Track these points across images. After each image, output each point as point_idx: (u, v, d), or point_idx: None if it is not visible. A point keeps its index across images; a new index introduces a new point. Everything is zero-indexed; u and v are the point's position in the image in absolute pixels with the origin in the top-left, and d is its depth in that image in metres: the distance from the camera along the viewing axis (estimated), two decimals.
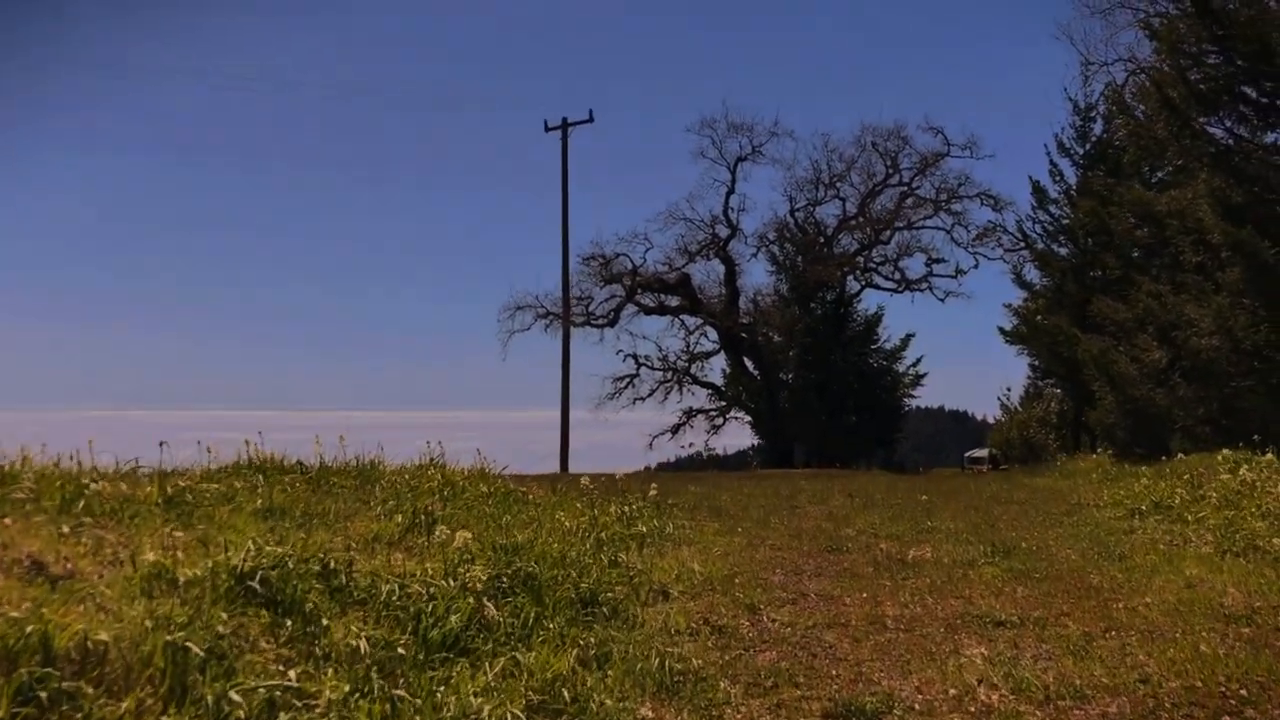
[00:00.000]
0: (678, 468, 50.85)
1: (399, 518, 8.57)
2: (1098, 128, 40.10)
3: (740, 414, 47.67)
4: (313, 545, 7.01)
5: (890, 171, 45.38)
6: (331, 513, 8.47)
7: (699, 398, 47.86)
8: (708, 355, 47.48)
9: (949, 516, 13.36)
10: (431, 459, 11.98)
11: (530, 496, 11.55)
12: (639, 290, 45.48)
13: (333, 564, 6.69)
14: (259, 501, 8.13)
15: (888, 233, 45.58)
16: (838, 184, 46.00)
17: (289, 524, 7.90)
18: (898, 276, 45.97)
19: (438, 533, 7.26)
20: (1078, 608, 7.97)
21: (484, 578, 7.27)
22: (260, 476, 9.49)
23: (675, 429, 47.46)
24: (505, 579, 7.37)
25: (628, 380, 46.96)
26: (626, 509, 11.19)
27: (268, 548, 6.52)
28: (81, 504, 6.68)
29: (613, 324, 46.29)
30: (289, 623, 5.74)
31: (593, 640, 6.65)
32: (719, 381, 47.74)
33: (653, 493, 11.57)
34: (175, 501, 7.44)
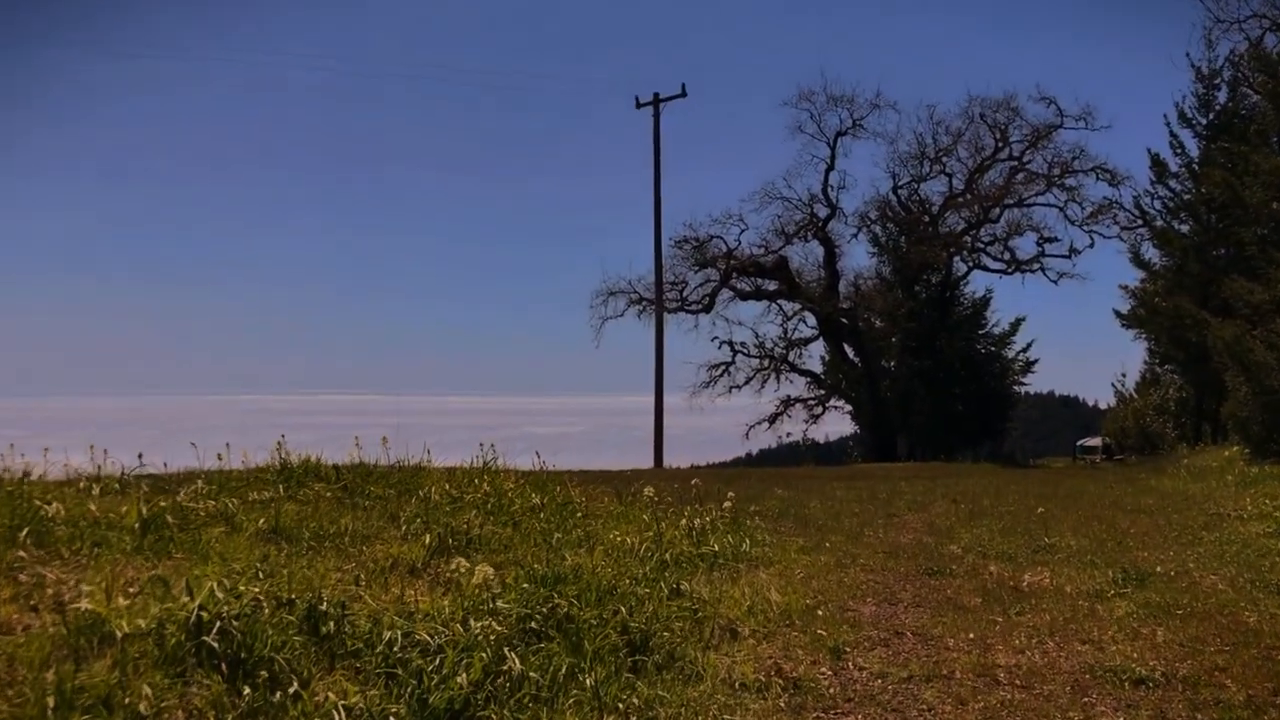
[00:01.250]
0: (775, 458, 49.48)
1: (428, 538, 7.45)
2: (1222, 95, 37.56)
3: (840, 403, 46.03)
4: (304, 580, 5.91)
5: (1000, 145, 43.16)
6: (349, 533, 7.37)
7: (797, 386, 46.32)
8: (806, 342, 45.88)
9: (1069, 529, 11.81)
10: (485, 463, 10.86)
11: (590, 507, 10.33)
12: (734, 274, 44.02)
13: (325, 605, 5.58)
14: (261, 521, 7.06)
15: (997, 210, 43.40)
16: (944, 159, 44.03)
17: (295, 549, 6.83)
18: (1007, 257, 43.84)
19: (455, 565, 6.08)
20: (1235, 660, 6.50)
21: (513, 617, 6.11)
22: (281, 487, 8.45)
23: (772, 418, 45.98)
24: (538, 619, 6.18)
25: (723, 368, 45.61)
26: (698, 522, 9.92)
27: (241, 586, 5.43)
28: (26, 531, 5.65)
29: (708, 309, 44.96)
30: (247, 690, 4.63)
31: (636, 701, 5.44)
32: (818, 369, 46.14)
33: (727, 505, 10.27)
34: (154, 524, 6.39)
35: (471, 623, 5.54)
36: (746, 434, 46.59)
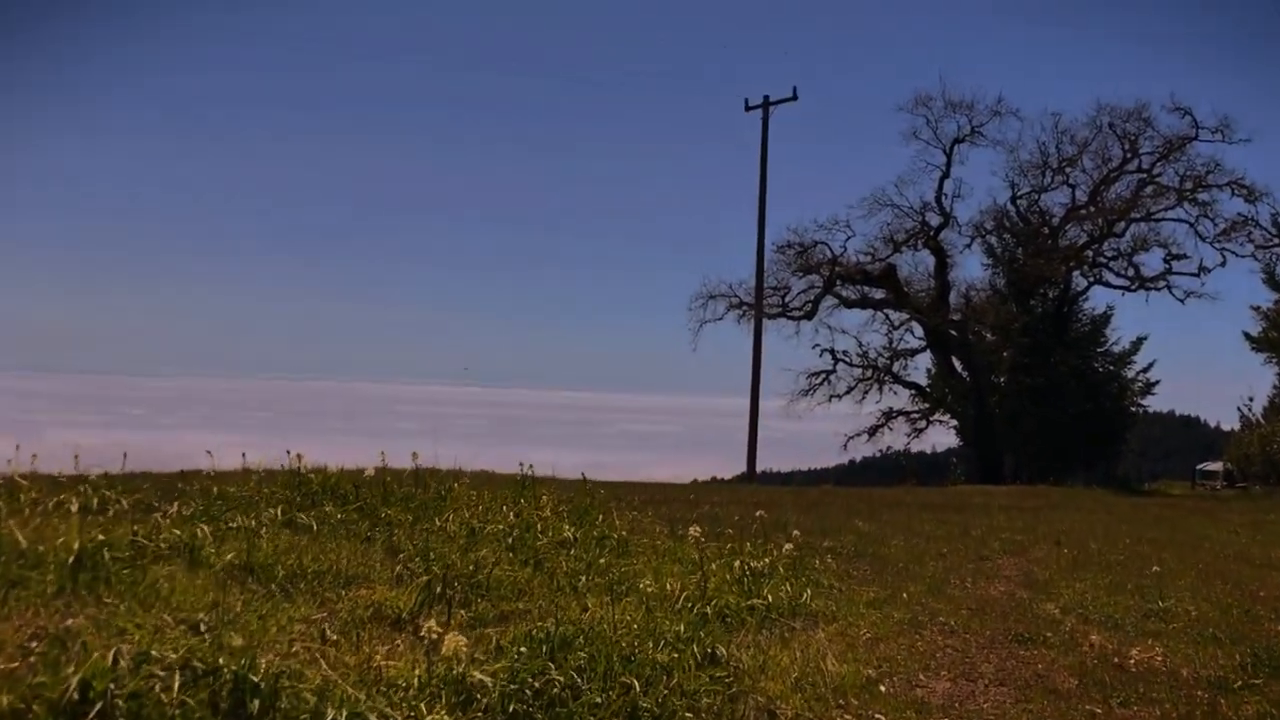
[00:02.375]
0: (874, 470, 47.82)
1: (426, 578, 6.45)
2: None
3: (945, 418, 44.18)
4: (251, 635, 4.94)
5: (1128, 156, 40.82)
6: (332, 571, 6.40)
7: (900, 398, 44.70)
8: (912, 353, 44.28)
9: (1187, 587, 10.31)
10: (523, 480, 9.85)
11: (632, 541, 9.21)
12: (838, 281, 42.58)
13: (258, 675, 4.59)
14: (231, 555, 6.12)
15: (1122, 224, 41.06)
16: (1067, 169, 41.84)
17: (262, 593, 5.88)
18: (1131, 273, 41.46)
19: (426, 628, 5.04)
20: None
21: (495, 694, 5.07)
22: (279, 509, 7.53)
23: (873, 430, 44.44)
24: (525, 697, 5.12)
25: (824, 376, 44.22)
26: (755, 564, 8.73)
27: (155, 648, 4.47)
28: None
29: (810, 316, 43.65)
30: None
31: None
32: (923, 381, 44.39)
33: (789, 548, 9.01)
34: (91, 559, 5.47)
35: (424, 710, 4.49)
36: (845, 445, 45.16)
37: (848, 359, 44.36)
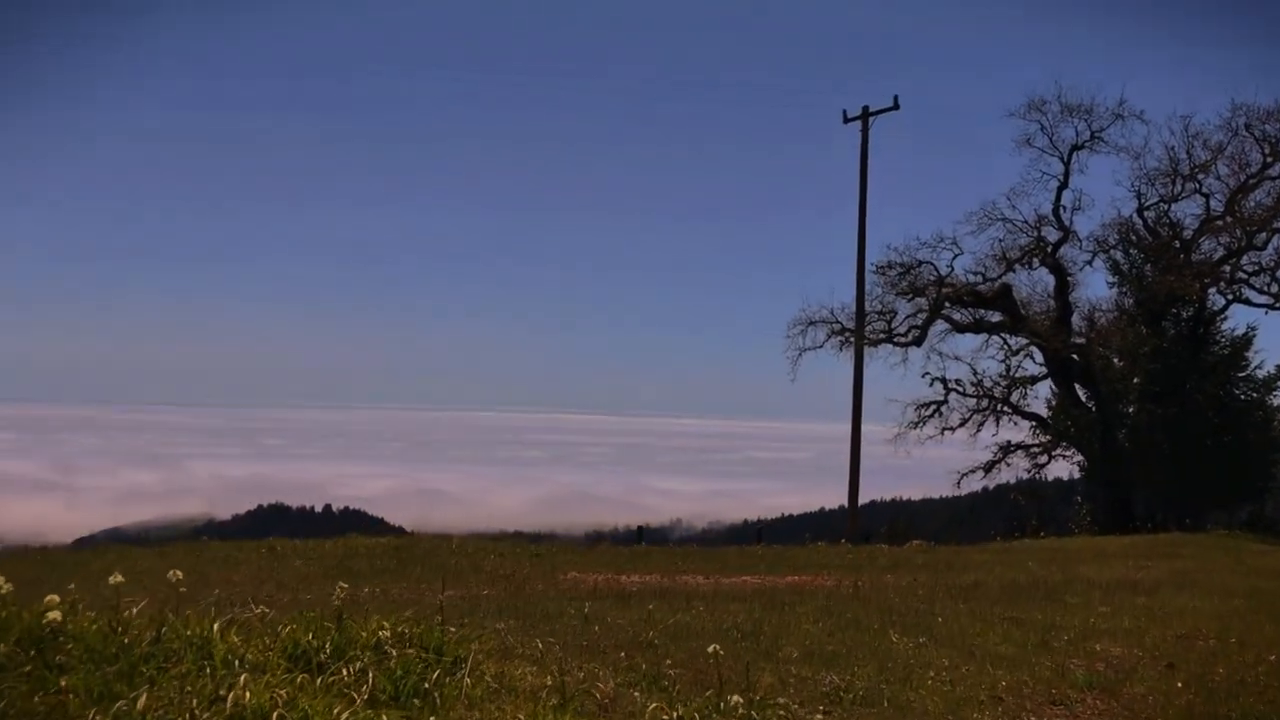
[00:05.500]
0: (987, 503, 44.49)
1: None
2: None
3: (1069, 452, 40.46)
4: None
5: (1269, 160, 36.62)
6: None
7: (1019, 430, 41.09)
8: (1031, 381, 40.59)
9: None
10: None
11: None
12: (946, 304, 39.39)
13: None
14: None
15: (1263, 235, 36.88)
16: (1200, 176, 37.75)
17: None
18: (1275, 289, 37.19)
19: None
20: None
21: None
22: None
23: (989, 466, 40.90)
24: None
25: (934, 407, 40.92)
26: None
27: None
28: None
29: (918, 342, 40.50)
30: None
31: None
32: (1044, 412, 40.70)
33: (737, 701, 6.31)
34: None
35: None
36: (958, 482, 41.82)
37: (960, 388, 41.04)
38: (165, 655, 6.47)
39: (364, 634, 7.52)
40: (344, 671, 6.63)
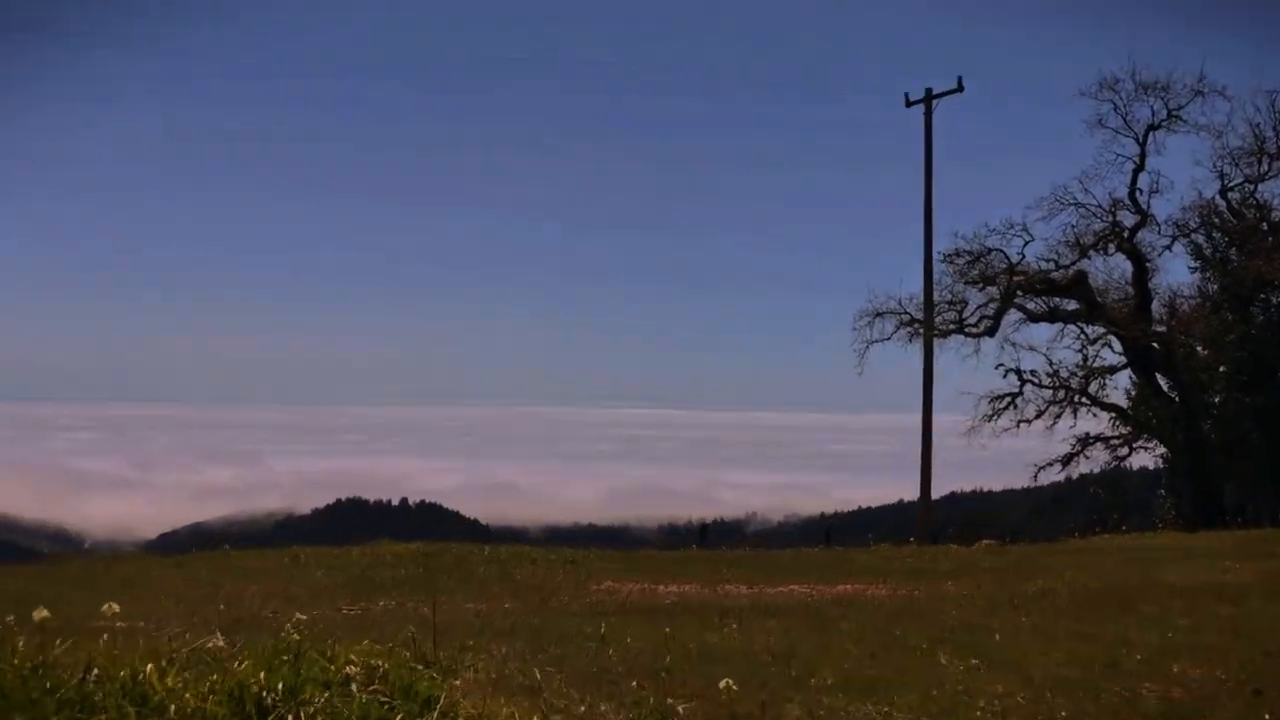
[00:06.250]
0: (1070, 493, 42.96)
1: None
2: None
3: (1150, 444, 38.81)
4: None
5: None
6: None
7: (1098, 421, 39.54)
8: (1110, 371, 38.99)
9: None
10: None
11: None
12: (1018, 292, 37.98)
13: None
14: None
15: None
16: None
17: None
18: None
19: None
20: None
21: None
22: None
23: (1066, 459, 39.40)
24: None
25: (1009, 399, 39.46)
26: None
27: None
28: None
29: (991, 333, 39.12)
30: None
31: None
32: (1123, 403, 39.09)
33: None
34: None
35: None
36: (1035, 476, 40.35)
37: (1036, 379, 39.58)
38: (90, 702, 5.80)
39: (331, 669, 6.80)
40: (291, 718, 5.92)
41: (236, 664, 6.57)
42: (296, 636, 6.48)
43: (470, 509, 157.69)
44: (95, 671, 6.06)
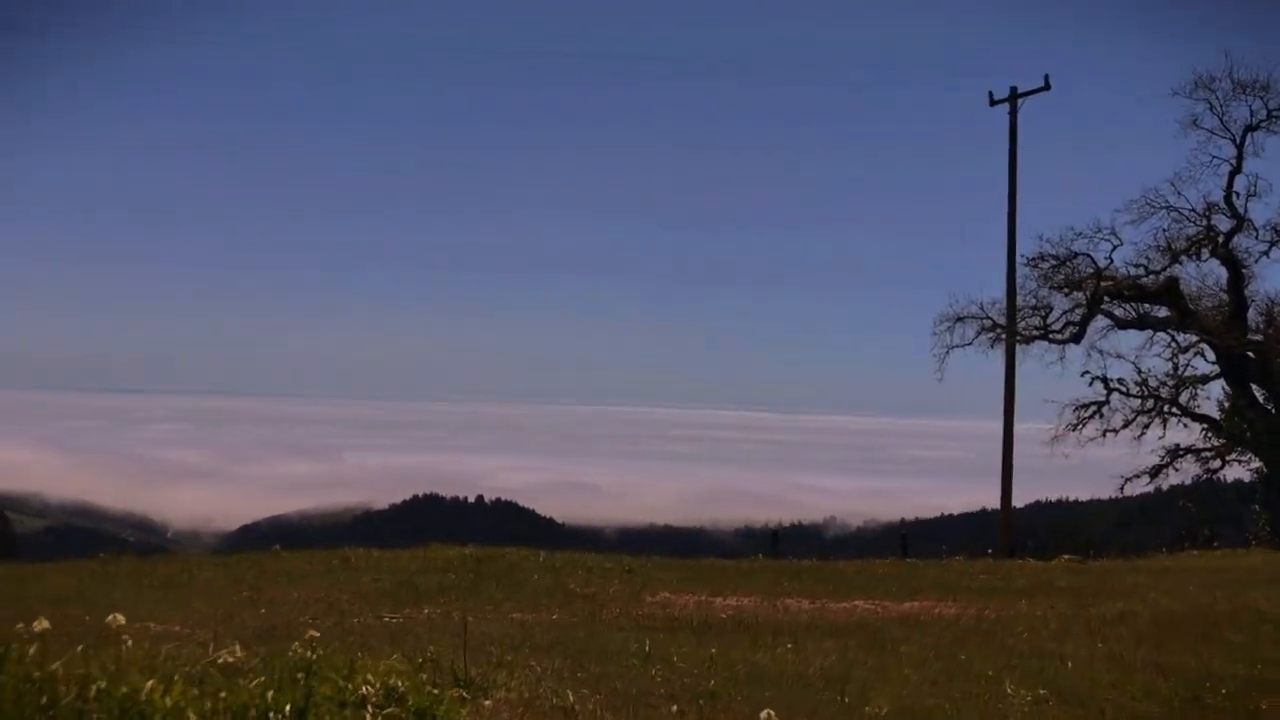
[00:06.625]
0: (1156, 506, 41.58)
1: None
2: None
3: (1245, 456, 37.30)
4: None
5: None
6: None
7: (1190, 432, 38.11)
8: (1202, 381, 37.49)
9: None
10: None
11: None
12: (1105, 298, 36.79)
13: None
14: None
15: None
16: None
17: None
18: None
19: None
20: None
21: None
22: None
23: (1155, 471, 37.98)
24: None
25: (1094, 408, 38.23)
26: None
27: None
28: None
29: (1076, 339, 37.94)
30: None
31: None
32: (1216, 414, 37.61)
33: None
34: None
35: None
36: (1121, 488, 39.04)
37: (1123, 388, 38.26)
38: None
39: (348, 688, 6.48)
40: None
41: (249, 680, 6.29)
42: (308, 654, 6.15)
43: (546, 507, 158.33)
44: (95, 687, 5.81)
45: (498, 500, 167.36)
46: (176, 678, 5.92)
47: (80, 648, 6.05)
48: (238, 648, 6.93)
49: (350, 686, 6.41)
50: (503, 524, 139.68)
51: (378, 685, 6.41)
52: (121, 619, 5.80)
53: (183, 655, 6.65)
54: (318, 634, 6.14)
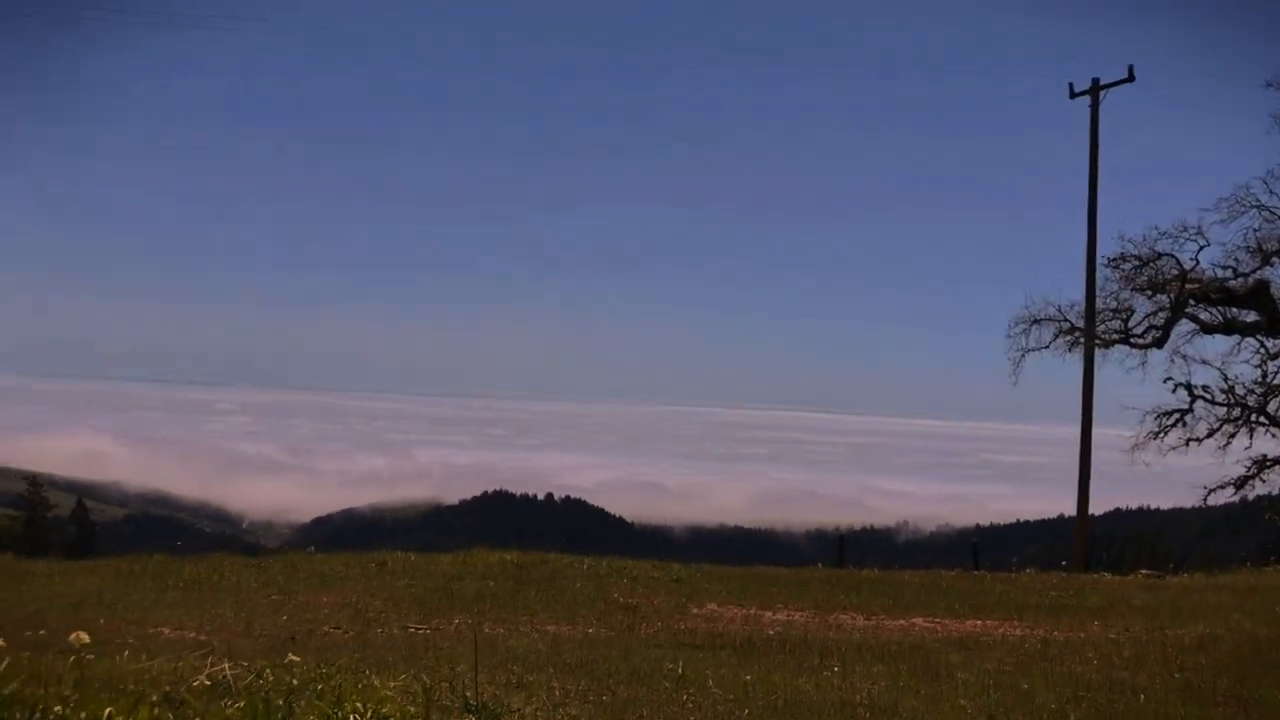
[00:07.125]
0: (1243, 518, 40.02)
1: None
2: None
3: None
4: None
5: None
6: None
7: (1279, 443, 36.58)
8: None
9: None
10: None
11: None
12: (1190, 301, 35.36)
13: None
14: None
15: None
16: None
17: None
18: None
19: None
20: None
21: None
22: None
23: (1240, 482, 36.42)
24: None
25: (1177, 416, 36.76)
26: None
27: None
28: None
29: (1159, 344, 36.52)
30: None
31: None
32: None
33: None
34: None
35: None
36: (1205, 499, 37.57)
37: (1209, 395, 36.79)
38: None
39: (335, 715, 5.96)
40: None
41: (229, 704, 5.81)
42: (289, 679, 5.65)
43: (616, 506, 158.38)
44: (55, 712, 5.36)
45: (567, 498, 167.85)
46: (144, 704, 5.47)
47: (90, 654, 5.62)
48: (227, 666, 6.48)
49: (337, 714, 5.91)
50: (570, 522, 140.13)
51: (368, 715, 5.89)
52: (85, 638, 5.35)
53: (164, 674, 6.22)
54: (298, 658, 5.61)
